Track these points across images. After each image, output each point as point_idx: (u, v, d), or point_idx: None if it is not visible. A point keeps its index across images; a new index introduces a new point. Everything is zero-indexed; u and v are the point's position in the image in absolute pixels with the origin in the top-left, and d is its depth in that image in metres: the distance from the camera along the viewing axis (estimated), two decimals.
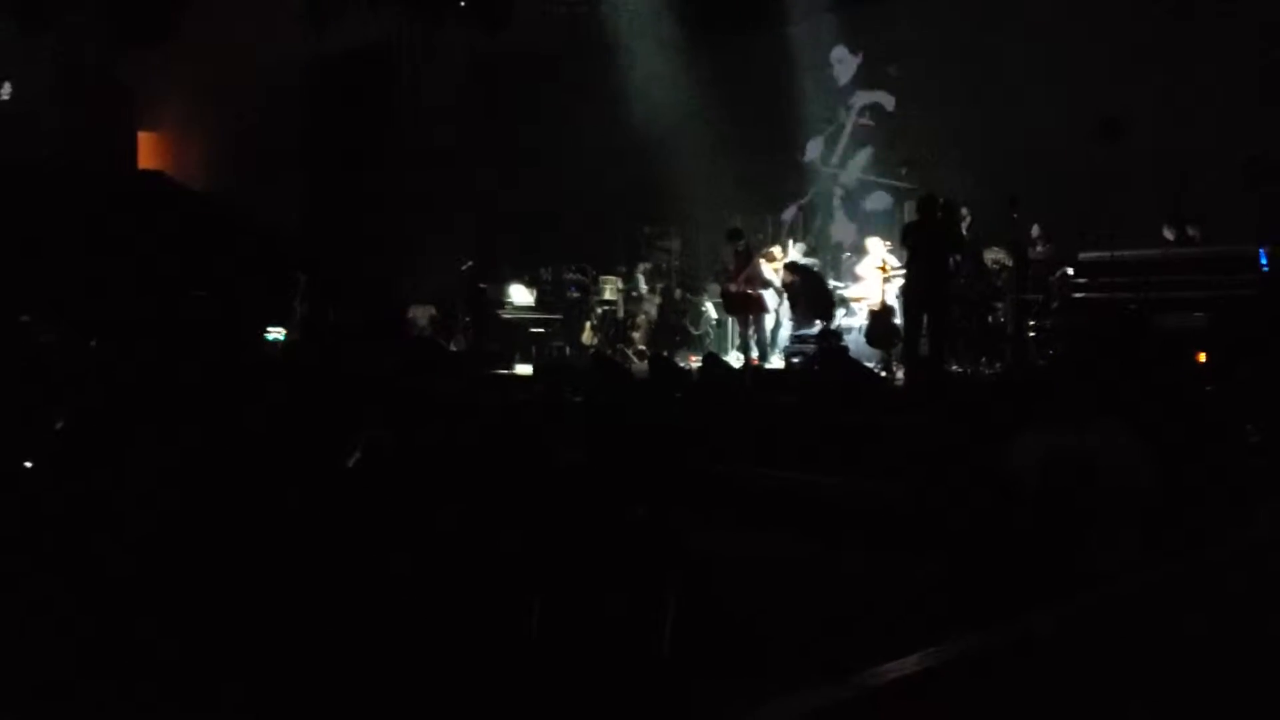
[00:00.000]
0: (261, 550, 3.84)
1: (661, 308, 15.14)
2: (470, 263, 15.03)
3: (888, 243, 12.54)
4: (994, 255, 12.00)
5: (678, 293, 15.63)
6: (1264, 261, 9.83)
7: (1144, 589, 2.10)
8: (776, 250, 13.85)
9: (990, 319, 11.68)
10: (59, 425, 4.55)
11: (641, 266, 15.44)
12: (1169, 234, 11.02)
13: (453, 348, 13.90)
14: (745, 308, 13.20)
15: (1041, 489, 4.20)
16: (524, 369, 12.55)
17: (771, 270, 13.21)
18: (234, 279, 10.94)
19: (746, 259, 13.06)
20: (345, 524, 4.16)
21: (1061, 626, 1.71)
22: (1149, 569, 3.34)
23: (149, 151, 18.58)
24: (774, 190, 16.26)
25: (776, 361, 12.79)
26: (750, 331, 13.27)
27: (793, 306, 13.00)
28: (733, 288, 13.08)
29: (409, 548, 4.06)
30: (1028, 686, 1.56)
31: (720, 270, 13.78)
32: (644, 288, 15.15)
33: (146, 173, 17.59)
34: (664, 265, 16.33)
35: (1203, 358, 9.66)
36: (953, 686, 1.53)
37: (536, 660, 3.67)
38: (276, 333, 11.76)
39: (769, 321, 13.22)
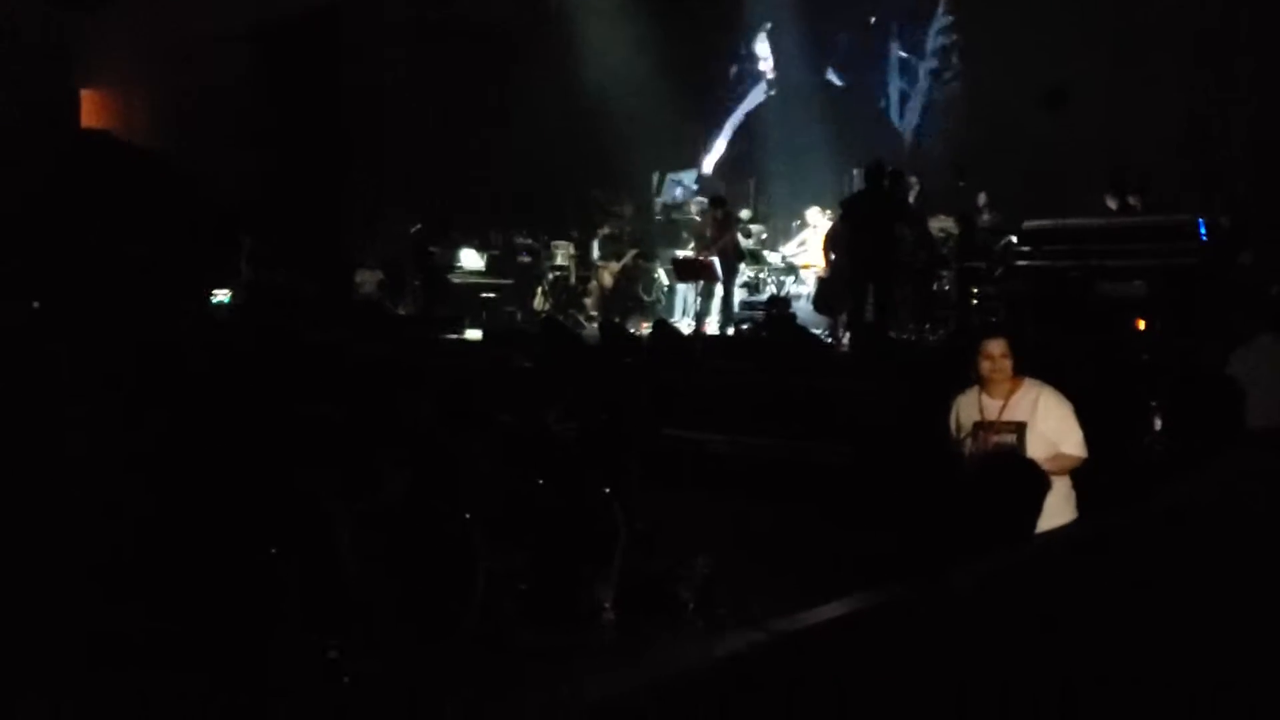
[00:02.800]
0: (208, 521, 3.85)
1: (615, 274, 15.14)
2: (419, 226, 14.92)
3: (828, 211, 12.66)
4: (940, 224, 12.14)
5: (629, 258, 15.63)
6: (1203, 231, 10.01)
7: (1063, 546, 2.19)
8: (748, 216, 13.96)
9: (935, 286, 11.82)
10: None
11: (599, 233, 15.40)
12: (1111, 203, 11.19)
13: (401, 312, 13.83)
14: (696, 274, 13.25)
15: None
16: (474, 334, 12.53)
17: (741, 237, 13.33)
18: (178, 239, 10.80)
19: (725, 226, 13.11)
20: (292, 490, 4.17)
21: (981, 581, 1.78)
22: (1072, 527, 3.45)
23: (93, 110, 18.21)
24: (728, 157, 16.29)
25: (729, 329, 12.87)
26: (699, 297, 13.34)
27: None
28: (706, 255, 13.08)
29: (356, 517, 4.08)
30: (944, 635, 1.62)
31: (698, 236, 13.79)
32: (597, 254, 15.13)
33: (89, 131, 17.26)
34: (617, 231, 16.31)
35: (1142, 325, 9.86)
36: (868, 634, 1.59)
37: (481, 618, 3.72)
38: (222, 295, 11.65)
39: (718, 288, 13.28)
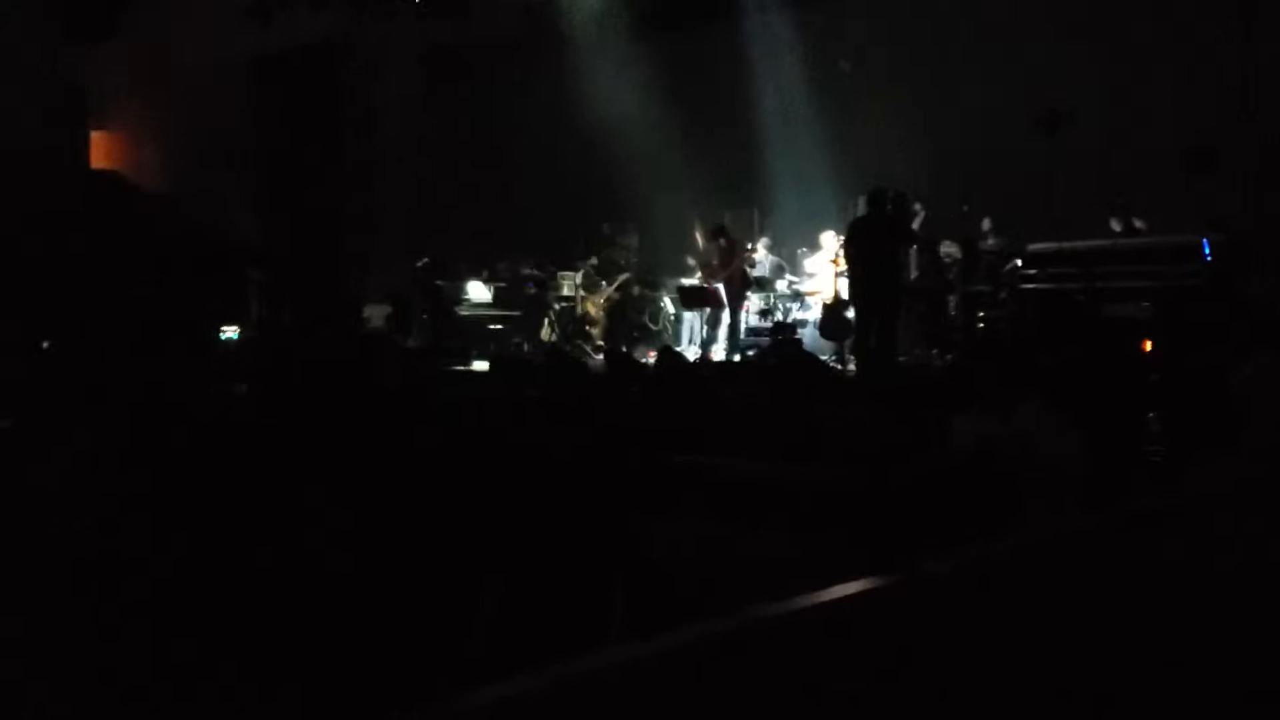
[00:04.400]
0: (221, 547, 3.87)
1: (619, 303, 15.22)
2: (426, 259, 15.01)
3: (840, 236, 12.69)
4: (946, 248, 12.18)
5: (636, 289, 15.71)
6: (1207, 251, 10.04)
7: (1046, 543, 2.21)
8: (753, 245, 14.05)
9: (942, 311, 11.86)
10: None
11: (584, 264, 15.50)
12: (1115, 225, 11.24)
13: (410, 345, 13.90)
14: (702, 302, 13.30)
15: (976, 471, 4.31)
16: (481, 365, 12.57)
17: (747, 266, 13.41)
18: (189, 278, 10.90)
19: (730, 253, 13.19)
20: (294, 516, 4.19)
21: (959, 572, 1.80)
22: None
23: (102, 151, 18.38)
24: (732, 185, 16.36)
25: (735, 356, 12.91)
26: (705, 325, 13.39)
27: None
28: (716, 283, 13.14)
29: (357, 540, 4.10)
30: (919, 625, 1.65)
31: (704, 265, 13.86)
32: (579, 284, 15.20)
33: (101, 173, 17.44)
34: (622, 261, 16.40)
35: (1149, 345, 9.87)
36: (848, 622, 1.62)
37: (481, 653, 3.72)
38: (230, 332, 11.72)
39: (725, 315, 13.33)
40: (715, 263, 13.29)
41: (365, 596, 3.34)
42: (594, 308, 14.89)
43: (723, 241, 13.35)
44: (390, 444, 4.76)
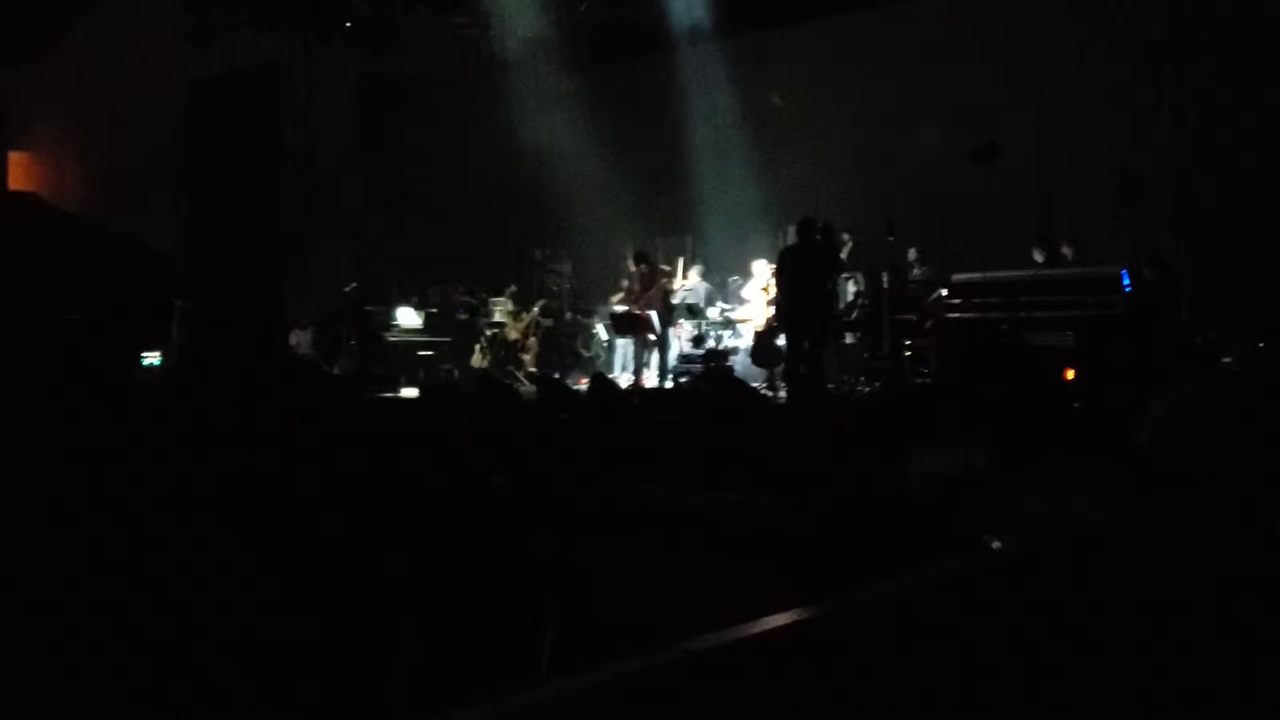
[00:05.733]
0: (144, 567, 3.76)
1: (551, 329, 15.20)
2: (355, 284, 14.85)
3: (772, 265, 12.79)
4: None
5: (568, 315, 15.68)
6: (1126, 283, 10.25)
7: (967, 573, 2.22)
8: (667, 270, 14.10)
9: (876, 340, 11.97)
10: None
11: (508, 290, 15.48)
12: (1038, 256, 11.44)
13: (337, 371, 13.70)
14: (635, 328, 13.32)
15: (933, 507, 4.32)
16: (410, 392, 12.43)
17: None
18: (109, 303, 10.64)
19: (651, 280, 13.24)
20: (222, 543, 4.08)
21: (884, 599, 1.79)
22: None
23: (20, 172, 17.97)
24: (665, 214, 16.45)
25: (668, 382, 12.92)
26: (642, 351, 13.39)
27: None
28: (635, 309, 13.18)
29: (284, 569, 4.00)
30: (848, 659, 1.64)
31: (622, 291, 13.90)
32: (499, 310, 15.19)
33: (17, 194, 17.03)
34: (555, 287, 16.36)
35: (1070, 374, 10.04)
36: (777, 652, 1.60)
37: (406, 679, 3.65)
38: (152, 358, 11.47)
39: (662, 340, 13.35)
40: (637, 287, 13.36)
41: (281, 644, 3.25)
42: (516, 333, 14.87)
43: (643, 266, 13.43)
44: (308, 479, 4.66)
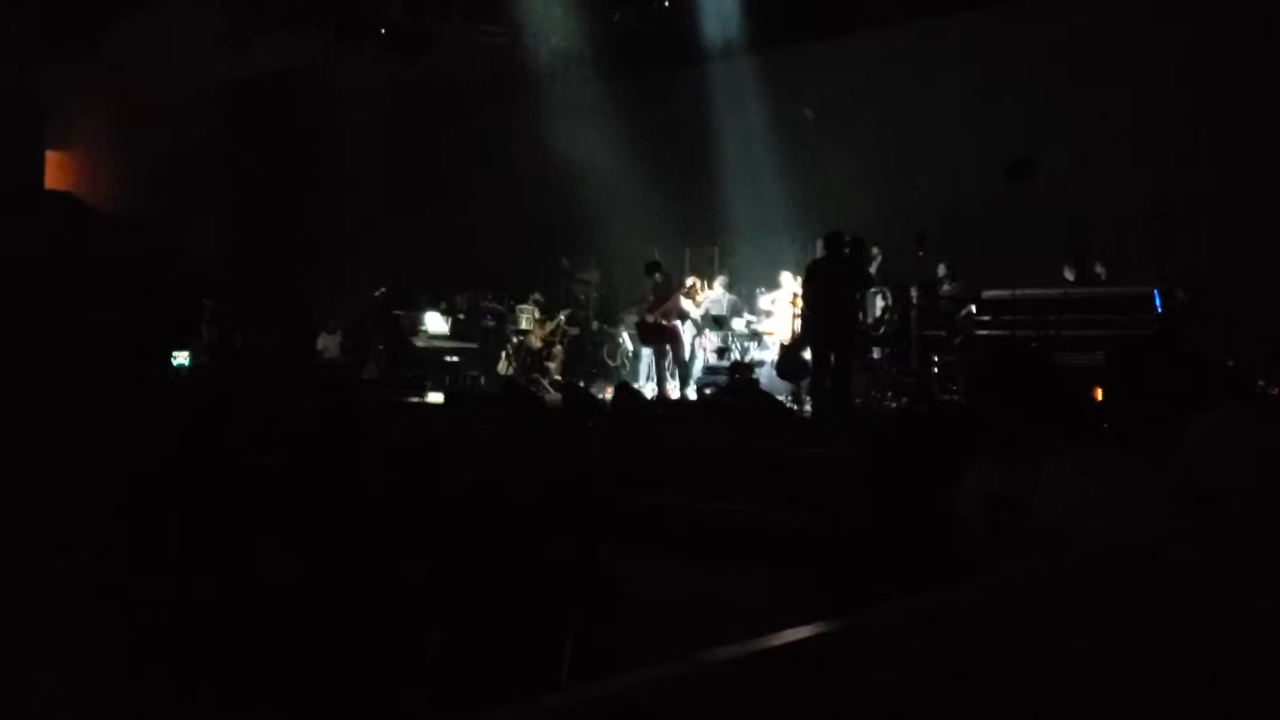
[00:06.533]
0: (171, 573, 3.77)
1: (577, 338, 15.21)
2: (384, 289, 14.91)
3: (798, 277, 12.74)
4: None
5: (595, 324, 15.69)
6: (1158, 303, 10.16)
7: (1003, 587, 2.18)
8: (691, 282, 14.04)
9: (906, 356, 11.89)
10: None
11: (532, 297, 15.50)
12: (1069, 274, 11.34)
13: (365, 375, 13.77)
14: (660, 339, 13.30)
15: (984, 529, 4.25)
16: (436, 397, 12.47)
17: (690, 303, 13.39)
18: (141, 304, 10.72)
19: (666, 290, 13.22)
20: (241, 550, 4.09)
21: (911, 617, 1.76)
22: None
23: (58, 172, 18.16)
24: (693, 224, 16.44)
25: (690, 393, 12.89)
26: (666, 362, 13.37)
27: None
28: (649, 318, 13.20)
29: (305, 574, 4.00)
30: (869, 670, 1.61)
31: (640, 301, 13.91)
32: (524, 320, 15.21)
33: (54, 193, 17.20)
34: (582, 296, 16.39)
35: (1099, 394, 9.94)
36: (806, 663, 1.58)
37: (428, 690, 3.64)
38: (181, 358, 11.55)
39: (685, 353, 13.34)
40: (651, 298, 13.35)
41: (308, 647, 3.25)
42: (539, 341, 14.89)
43: (658, 277, 13.42)
44: (330, 483, 4.67)
